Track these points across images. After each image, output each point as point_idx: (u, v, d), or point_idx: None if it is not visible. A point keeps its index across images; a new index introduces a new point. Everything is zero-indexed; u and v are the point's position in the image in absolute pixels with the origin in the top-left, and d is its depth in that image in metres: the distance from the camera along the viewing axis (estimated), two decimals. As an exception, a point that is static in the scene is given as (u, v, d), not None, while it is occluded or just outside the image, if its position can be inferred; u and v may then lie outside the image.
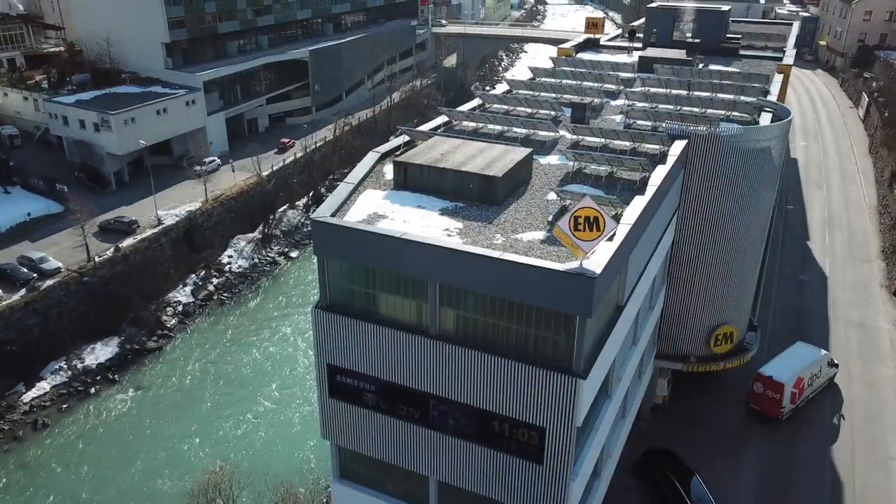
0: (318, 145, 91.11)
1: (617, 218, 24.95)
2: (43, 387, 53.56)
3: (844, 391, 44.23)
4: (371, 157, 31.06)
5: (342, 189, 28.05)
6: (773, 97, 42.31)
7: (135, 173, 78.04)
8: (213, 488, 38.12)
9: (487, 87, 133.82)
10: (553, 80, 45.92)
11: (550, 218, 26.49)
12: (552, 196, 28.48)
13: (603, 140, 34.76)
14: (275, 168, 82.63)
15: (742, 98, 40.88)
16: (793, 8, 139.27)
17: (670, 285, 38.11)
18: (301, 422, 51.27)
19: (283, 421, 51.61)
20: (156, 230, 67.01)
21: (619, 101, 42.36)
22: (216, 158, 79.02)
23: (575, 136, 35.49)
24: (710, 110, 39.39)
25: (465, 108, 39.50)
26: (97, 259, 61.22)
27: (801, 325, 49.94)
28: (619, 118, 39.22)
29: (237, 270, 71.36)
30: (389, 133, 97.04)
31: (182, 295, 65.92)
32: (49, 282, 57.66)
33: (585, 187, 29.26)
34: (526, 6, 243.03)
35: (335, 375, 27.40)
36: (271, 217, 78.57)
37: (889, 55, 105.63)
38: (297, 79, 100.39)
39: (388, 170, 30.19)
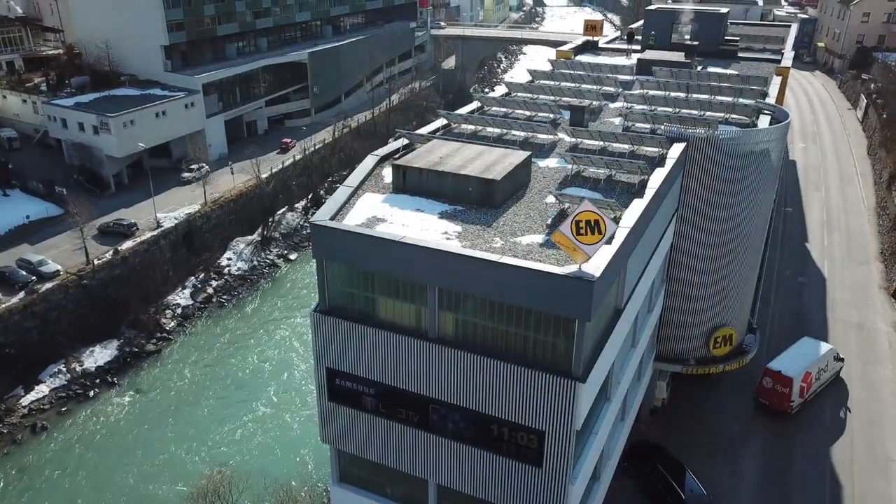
0: (317, 147, 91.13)
1: (616, 220, 24.97)
2: (42, 390, 53.51)
3: (836, 402, 44.27)
4: (370, 161, 31.08)
5: (341, 192, 28.08)
6: (771, 99, 42.37)
7: (134, 176, 78.01)
8: (213, 492, 38.11)
9: (486, 89, 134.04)
10: (552, 82, 45.99)
11: (549, 221, 26.52)
12: (551, 199, 28.51)
13: (601, 143, 34.79)
14: (274, 170, 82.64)
15: (740, 100, 40.93)
16: (791, 10, 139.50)
17: (669, 288, 38.13)
18: (300, 425, 51.23)
19: (282, 424, 51.57)
20: (155, 233, 67.00)
21: (618, 104, 42.41)
22: (204, 165, 78.53)
23: (573, 139, 35.53)
24: (708, 113, 39.47)
25: (463, 110, 39.54)
26: (96, 262, 61.20)
27: (800, 326, 49.94)
28: (617, 121, 39.27)
29: (236, 273, 71.35)
30: (388, 135, 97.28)
31: (181, 298, 65.89)
32: (48, 285, 57.62)
33: (584, 190, 29.31)
34: (524, 8, 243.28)
35: (334, 379, 27.41)
36: (270, 219, 78.59)
37: (887, 57, 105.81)
38: (297, 81, 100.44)
39: (387, 173, 30.21)
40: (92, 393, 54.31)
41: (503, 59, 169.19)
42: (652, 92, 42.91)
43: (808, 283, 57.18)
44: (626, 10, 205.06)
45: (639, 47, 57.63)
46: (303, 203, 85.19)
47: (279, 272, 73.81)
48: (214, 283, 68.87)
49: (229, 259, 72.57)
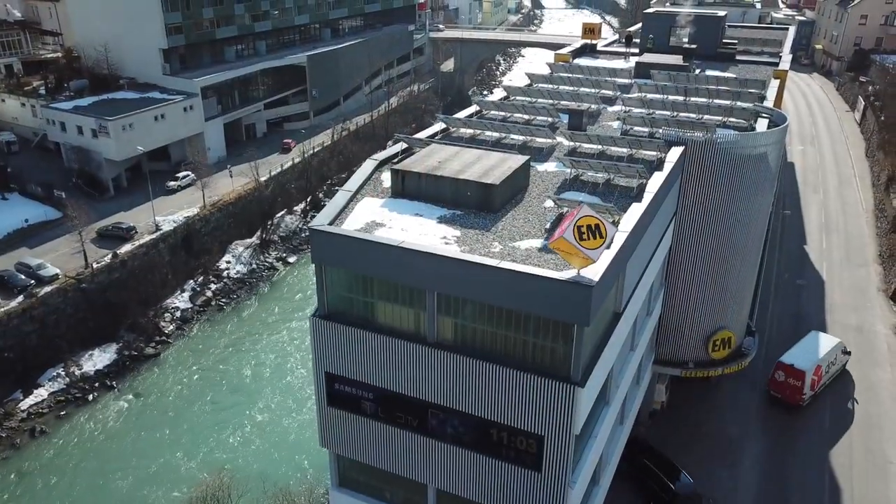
0: (315, 150, 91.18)
1: (615, 224, 25.02)
2: (41, 394, 53.48)
3: (843, 395, 44.40)
4: (369, 165, 31.12)
5: (340, 197, 28.10)
6: (769, 103, 42.44)
7: (133, 179, 77.94)
8: (212, 496, 38.12)
9: (485, 92, 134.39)
10: (550, 86, 46.05)
11: (548, 226, 26.55)
12: (549, 204, 28.55)
13: (600, 147, 34.86)
14: (273, 173, 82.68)
15: (738, 104, 41.02)
16: (789, 12, 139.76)
17: (668, 291, 38.17)
18: (299, 429, 51.21)
19: (281, 428, 51.55)
20: (154, 236, 67.00)
21: (616, 107, 42.48)
22: (190, 173, 78.14)
23: (572, 143, 35.57)
24: (706, 116, 39.54)
25: (462, 114, 39.59)
26: (95, 265, 61.19)
27: (798, 329, 49.95)
28: (616, 124, 39.34)
29: (235, 276, 71.38)
30: (387, 138, 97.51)
31: (180, 301, 65.89)
32: (47, 288, 57.60)
33: (582, 195, 29.36)
34: (523, 11, 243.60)
35: (333, 384, 27.42)
36: (269, 222, 78.63)
37: (885, 59, 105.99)
38: (295, 84, 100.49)
39: (386, 177, 30.24)
40: (91, 397, 54.29)
41: (501, 61, 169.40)
42: (650, 95, 43.02)
43: (806, 286, 57.25)
44: (624, 12, 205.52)
45: (637, 50, 57.75)
46: (301, 206, 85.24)
47: (278, 275, 73.82)
48: (213, 287, 68.89)
49: (228, 262, 72.59)
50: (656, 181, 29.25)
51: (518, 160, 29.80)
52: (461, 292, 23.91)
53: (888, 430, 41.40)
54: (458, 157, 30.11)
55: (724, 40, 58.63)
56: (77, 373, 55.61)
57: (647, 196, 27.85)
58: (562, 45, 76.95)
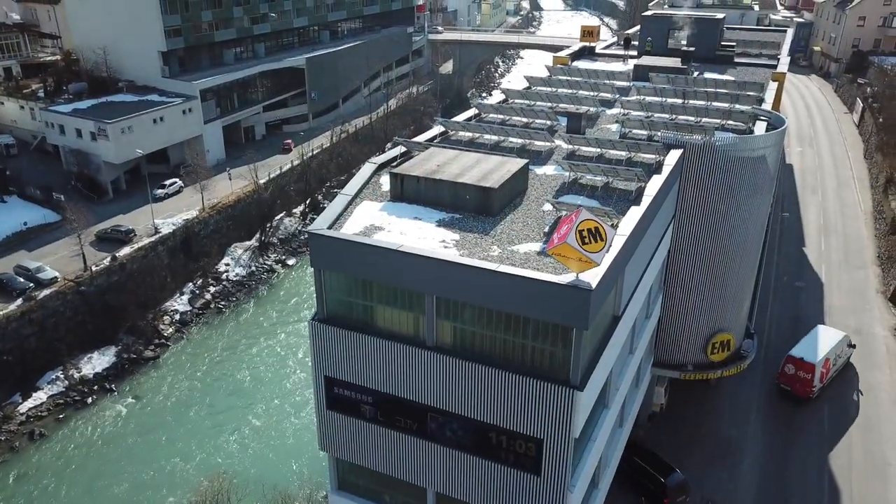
0: (314, 152, 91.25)
1: (613, 228, 25.03)
2: (39, 397, 53.44)
3: (842, 396, 44.47)
4: (368, 169, 31.15)
5: (339, 201, 28.12)
6: (767, 105, 42.52)
7: (132, 182, 77.99)
8: (211, 500, 38.10)
9: (484, 94, 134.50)
10: (549, 89, 46.10)
11: (546, 229, 26.59)
12: (548, 207, 28.58)
13: (598, 150, 34.91)
14: (272, 175, 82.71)
15: (737, 107, 41.09)
16: (787, 14, 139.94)
17: (667, 294, 38.22)
18: (299, 432, 51.20)
19: (280, 431, 51.53)
20: (153, 239, 67.00)
21: (615, 110, 42.53)
22: (177, 180, 77.99)
23: (571, 146, 35.62)
24: (705, 119, 39.60)
25: (461, 118, 39.64)
26: (94, 268, 61.19)
27: (797, 331, 50.00)
28: (614, 127, 39.38)
29: (234, 279, 71.38)
30: (386, 140, 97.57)
31: (179, 304, 65.88)
32: (46, 291, 57.59)
33: (581, 198, 29.40)
34: (522, 13, 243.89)
35: (333, 387, 27.43)
36: (268, 225, 78.61)
37: (883, 60, 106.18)
38: (294, 86, 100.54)
39: (385, 181, 30.27)
40: (90, 400, 54.26)
41: (500, 63, 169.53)
42: (649, 98, 43.05)
43: (805, 288, 57.32)
44: (623, 14, 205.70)
45: (635, 53, 57.83)
46: (301, 208, 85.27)
47: (277, 277, 73.83)
48: (212, 289, 68.88)
49: (227, 265, 72.58)
50: (655, 184, 29.30)
51: (517, 164, 29.84)
52: (460, 296, 23.93)
53: (887, 432, 41.46)
54: (456, 160, 30.14)
55: (723, 43, 58.69)
56: (76, 376, 55.58)
57: (646, 199, 27.90)
58: (560, 47, 77.11)
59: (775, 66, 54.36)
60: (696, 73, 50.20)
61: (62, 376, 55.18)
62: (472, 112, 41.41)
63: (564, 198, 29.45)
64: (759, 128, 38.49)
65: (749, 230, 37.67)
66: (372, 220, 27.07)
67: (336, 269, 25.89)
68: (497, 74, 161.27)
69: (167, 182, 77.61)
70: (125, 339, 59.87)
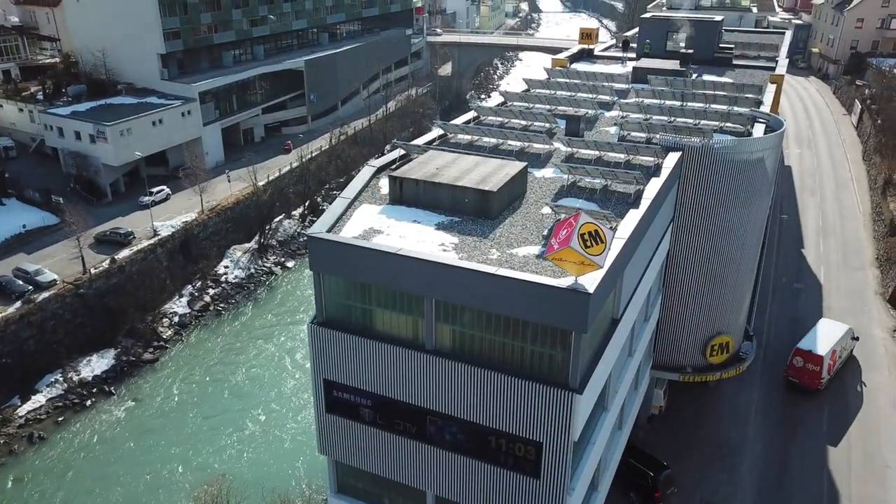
0: (313, 155, 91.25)
1: (612, 231, 25.05)
2: (38, 400, 53.42)
3: (842, 398, 44.56)
4: (367, 172, 31.18)
5: (338, 204, 28.14)
6: (766, 107, 42.57)
7: (131, 184, 78.02)
8: (210, 503, 38.03)
9: (483, 96, 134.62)
10: (547, 91, 46.15)
11: (545, 233, 26.61)
12: (547, 210, 28.61)
13: (597, 152, 34.94)
14: (271, 178, 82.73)
15: (735, 109, 41.15)
16: (785, 16, 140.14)
17: (666, 296, 38.25)
18: (298, 435, 51.18)
19: (280, 434, 51.51)
20: (152, 241, 66.99)
21: (614, 113, 42.59)
22: (164, 187, 77.02)
23: (569, 149, 35.67)
24: (703, 122, 39.64)
25: (459, 120, 39.66)
26: (93, 271, 61.16)
27: (796, 333, 50.01)
28: (613, 130, 39.43)
29: (233, 281, 71.37)
30: (385, 142, 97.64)
31: (178, 306, 65.86)
32: (45, 294, 57.55)
33: (580, 201, 29.43)
34: (521, 15, 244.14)
35: (332, 391, 27.43)
36: (267, 227, 78.62)
37: (881, 62, 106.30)
38: (293, 88, 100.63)
39: (384, 184, 30.29)
40: (89, 402, 54.23)
41: (499, 65, 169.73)
42: (647, 101, 43.11)
43: (804, 290, 57.33)
44: (622, 16, 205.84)
45: (634, 55, 57.89)
46: (300, 210, 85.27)
47: (276, 280, 73.82)
48: (212, 292, 68.88)
49: (226, 267, 72.58)
50: (653, 187, 29.35)
51: (516, 167, 29.88)
52: (459, 299, 23.95)
53: (886, 434, 41.46)
54: (455, 163, 30.17)
55: (721, 45, 58.78)
56: (75, 379, 55.55)
57: (645, 202, 27.96)
58: (559, 49, 77.13)
59: (774, 68, 54.42)
60: (694, 76, 50.26)
61: (61, 379, 55.15)
62: (470, 115, 41.45)
63: (563, 201, 29.48)
64: (758, 130, 38.54)
65: (748, 232, 37.71)
66: (371, 223, 27.09)
67: (335, 272, 25.90)
68: (496, 76, 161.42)
69: (154, 189, 75.72)
70: (124, 341, 59.86)
